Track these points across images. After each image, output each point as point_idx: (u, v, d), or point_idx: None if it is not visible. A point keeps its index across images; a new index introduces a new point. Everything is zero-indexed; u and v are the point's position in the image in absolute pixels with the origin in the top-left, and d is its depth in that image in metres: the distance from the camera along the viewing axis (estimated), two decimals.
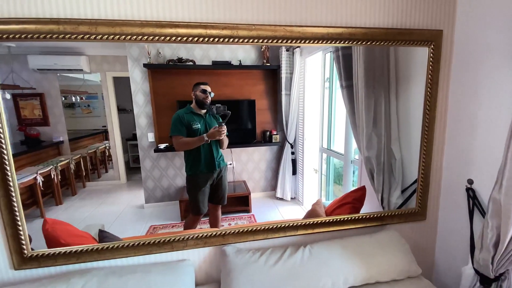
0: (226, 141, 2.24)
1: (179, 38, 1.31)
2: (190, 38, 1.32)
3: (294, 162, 3.10)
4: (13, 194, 1.29)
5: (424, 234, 1.91)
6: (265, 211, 2.95)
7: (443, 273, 1.88)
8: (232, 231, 1.56)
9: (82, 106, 2.89)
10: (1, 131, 1.24)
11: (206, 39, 1.34)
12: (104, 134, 2.92)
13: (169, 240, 1.48)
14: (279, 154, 3.03)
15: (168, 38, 1.30)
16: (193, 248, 1.54)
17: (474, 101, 1.56)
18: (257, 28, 1.38)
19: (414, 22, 1.59)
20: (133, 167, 3.04)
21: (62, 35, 1.21)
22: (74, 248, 1.41)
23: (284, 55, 2.86)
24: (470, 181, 1.60)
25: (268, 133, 2.92)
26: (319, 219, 1.68)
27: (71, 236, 1.60)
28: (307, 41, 1.44)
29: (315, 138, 3.04)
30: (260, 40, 1.39)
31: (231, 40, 1.36)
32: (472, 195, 1.58)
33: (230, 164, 2.77)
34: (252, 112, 2.79)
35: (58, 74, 2.60)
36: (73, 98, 2.92)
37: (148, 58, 2.46)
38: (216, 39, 1.35)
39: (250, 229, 1.58)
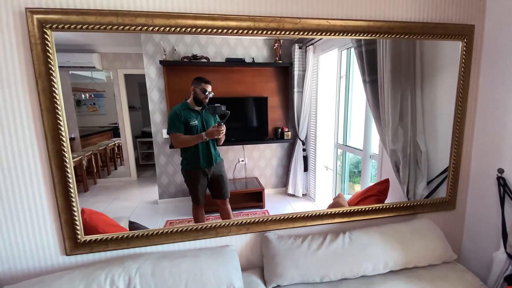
0: (223, 138, 2.24)
1: (230, 31, 1.37)
2: (240, 31, 1.37)
3: (305, 158, 3.13)
4: (70, 181, 1.34)
5: (453, 222, 1.97)
6: (278, 207, 2.97)
7: (470, 261, 1.94)
8: (273, 218, 1.61)
9: (87, 104, 2.90)
10: (61, 119, 1.29)
11: (255, 31, 1.39)
12: (112, 131, 2.94)
13: (214, 226, 1.54)
14: (290, 151, 3.05)
15: (220, 30, 1.36)
16: (235, 235, 1.59)
17: (504, 92, 1.62)
18: (302, 22, 1.43)
19: (448, 16, 1.65)
20: (142, 164, 3.07)
21: (121, 27, 1.26)
22: (125, 233, 1.46)
23: (296, 52, 2.89)
24: (501, 170, 1.66)
25: (279, 130, 2.94)
26: (355, 208, 1.74)
27: (107, 225, 1.64)
28: (348, 34, 1.50)
29: (329, 134, 3.07)
30: (305, 33, 1.45)
31: (278, 32, 1.42)
32: (503, 184, 1.65)
33: (243, 160, 2.81)
34: (264, 109, 2.79)
35: (70, 72, 2.63)
36: (83, 96, 2.95)
37: (163, 55, 2.50)
38: (264, 32, 1.40)
39: (289, 216, 1.64)
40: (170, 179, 2.69)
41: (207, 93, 2.10)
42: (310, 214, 1.66)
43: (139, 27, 1.28)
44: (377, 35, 1.54)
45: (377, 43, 1.93)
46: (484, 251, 1.82)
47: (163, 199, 2.70)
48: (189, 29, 1.33)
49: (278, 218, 1.62)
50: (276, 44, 2.81)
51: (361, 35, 1.52)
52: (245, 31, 1.38)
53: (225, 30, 1.36)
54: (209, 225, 1.53)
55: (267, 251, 1.54)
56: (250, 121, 2.78)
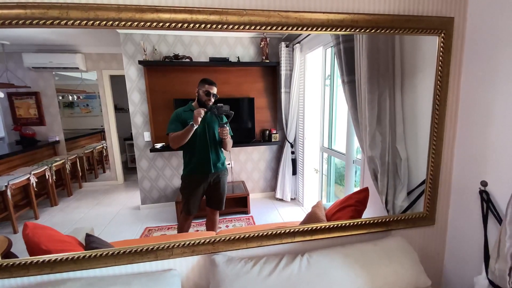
0: (230, 143, 2.16)
1: (161, 24, 1.18)
2: (174, 24, 1.19)
3: (294, 161, 3.02)
4: None
5: (433, 240, 1.77)
6: (265, 212, 2.87)
7: (452, 283, 1.74)
8: (223, 238, 1.42)
9: (81, 106, 2.85)
10: None
11: (192, 25, 1.20)
12: (102, 133, 2.86)
13: (152, 248, 1.35)
14: (279, 153, 2.96)
15: (148, 24, 1.17)
16: (180, 257, 1.41)
17: (489, 95, 1.42)
18: (249, 14, 1.24)
19: (423, 8, 1.44)
20: (131, 167, 2.99)
21: (29, 21, 1.08)
22: (47, 257, 1.28)
23: (283, 51, 2.77)
24: (484, 183, 1.46)
25: (267, 132, 2.85)
26: (318, 225, 1.54)
27: (53, 241, 1.48)
28: (304, 28, 1.30)
29: (316, 137, 2.93)
30: (252, 27, 1.25)
31: (220, 26, 1.23)
32: (486, 199, 1.44)
33: (229, 164, 2.69)
34: (251, 111, 2.73)
35: (54, 73, 2.54)
36: (70, 97, 2.86)
37: (143, 55, 2.38)
38: (203, 25, 1.21)
39: (242, 236, 1.45)
40: (153, 183, 2.58)
41: (210, 96, 2.03)
42: (266, 233, 1.47)
43: (51, 21, 1.09)
44: (338, 30, 1.33)
45: (355, 40, 1.76)
46: (466, 274, 1.61)
47: (146, 205, 2.63)
48: (110, 23, 1.14)
49: (228, 238, 1.43)
50: (263, 43, 2.69)
51: (320, 29, 1.32)
52: (180, 25, 1.19)
53: (154, 24, 1.17)
54: (147, 248, 1.34)
55: (213, 277, 1.35)
56: (237, 123, 2.66)
